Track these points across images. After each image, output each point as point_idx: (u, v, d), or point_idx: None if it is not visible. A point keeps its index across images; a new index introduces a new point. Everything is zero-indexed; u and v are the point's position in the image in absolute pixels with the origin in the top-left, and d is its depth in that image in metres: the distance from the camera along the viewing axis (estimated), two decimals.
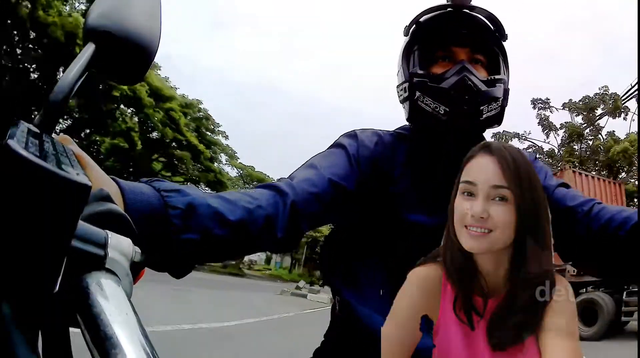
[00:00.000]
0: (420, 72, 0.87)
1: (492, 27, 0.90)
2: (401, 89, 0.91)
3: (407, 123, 0.96)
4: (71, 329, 0.33)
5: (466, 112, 0.83)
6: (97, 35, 0.45)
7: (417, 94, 0.86)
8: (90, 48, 0.44)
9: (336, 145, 0.91)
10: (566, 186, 0.89)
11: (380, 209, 0.87)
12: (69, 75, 0.41)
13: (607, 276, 0.84)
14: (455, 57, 0.86)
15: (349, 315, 0.86)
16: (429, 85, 0.85)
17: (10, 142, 0.26)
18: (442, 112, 0.83)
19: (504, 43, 0.92)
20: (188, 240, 0.60)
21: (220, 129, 27.59)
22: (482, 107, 0.83)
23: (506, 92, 0.89)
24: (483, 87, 0.83)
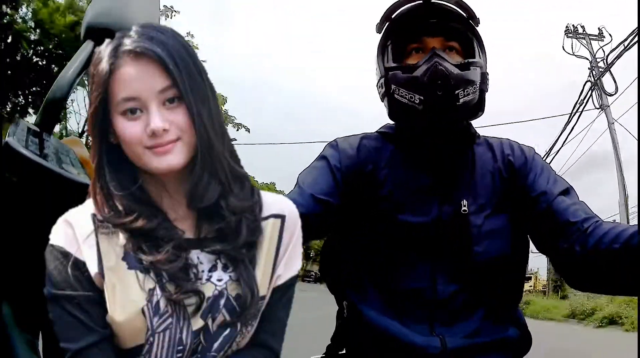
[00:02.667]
0: (394, 65, 0.87)
1: (463, 14, 0.89)
2: (379, 86, 0.91)
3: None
4: None
5: (441, 97, 0.81)
6: (96, 34, 0.45)
7: (393, 87, 0.85)
8: (88, 46, 0.44)
9: (320, 158, 0.91)
10: (567, 192, 0.86)
11: (370, 214, 0.86)
12: (68, 73, 0.40)
13: (607, 293, 0.81)
14: (427, 48, 0.85)
15: (358, 317, 0.85)
16: (402, 76, 0.84)
17: (10, 140, 0.26)
18: (418, 101, 0.82)
19: (477, 28, 0.90)
20: None
21: None
22: (457, 92, 0.81)
23: (484, 76, 0.88)
24: (456, 71, 0.81)
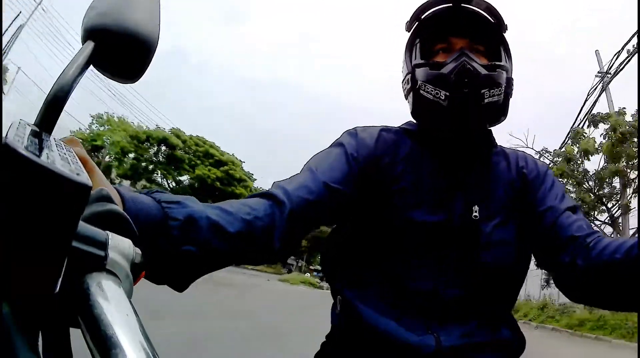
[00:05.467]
0: (421, 62, 0.88)
1: (490, 19, 0.90)
2: (405, 82, 0.91)
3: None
4: (71, 329, 0.33)
5: (467, 95, 0.81)
6: (96, 34, 0.45)
7: (419, 82, 0.86)
8: (89, 46, 0.44)
9: (336, 144, 0.90)
10: (574, 210, 0.87)
11: (381, 208, 0.85)
12: (68, 73, 0.40)
13: (608, 307, 0.80)
14: (454, 48, 0.87)
15: (351, 314, 0.85)
16: (429, 72, 0.85)
17: (10, 141, 0.26)
18: (443, 97, 0.82)
19: (505, 34, 0.91)
20: (187, 251, 0.60)
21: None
22: (483, 91, 0.82)
23: (509, 80, 0.88)
24: (483, 71, 0.82)
